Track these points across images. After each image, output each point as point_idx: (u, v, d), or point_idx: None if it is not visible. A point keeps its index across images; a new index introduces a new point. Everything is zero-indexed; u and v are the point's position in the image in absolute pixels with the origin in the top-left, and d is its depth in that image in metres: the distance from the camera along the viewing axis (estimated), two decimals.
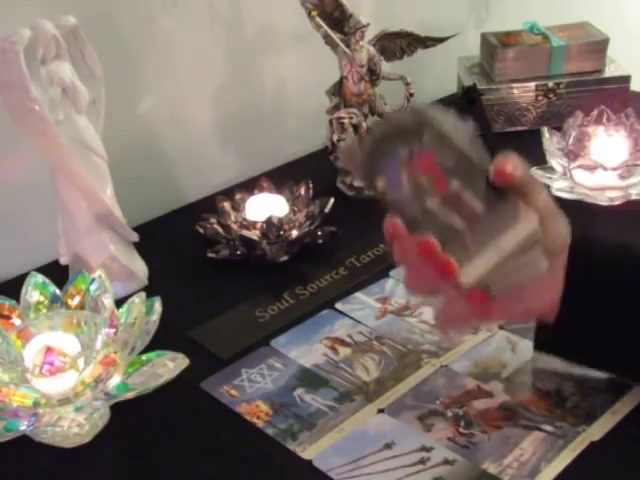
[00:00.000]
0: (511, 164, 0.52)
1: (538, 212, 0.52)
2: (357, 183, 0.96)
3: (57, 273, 0.77)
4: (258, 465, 0.60)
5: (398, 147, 0.54)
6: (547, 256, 0.53)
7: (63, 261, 0.83)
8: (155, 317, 0.67)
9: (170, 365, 0.64)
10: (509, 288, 0.54)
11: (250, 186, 0.90)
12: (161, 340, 0.67)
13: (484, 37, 1.15)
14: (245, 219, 0.85)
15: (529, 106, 1.09)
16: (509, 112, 1.10)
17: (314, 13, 0.89)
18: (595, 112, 0.94)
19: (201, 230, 0.86)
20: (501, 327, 0.71)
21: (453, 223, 0.54)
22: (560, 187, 0.91)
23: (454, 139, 0.53)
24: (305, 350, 0.71)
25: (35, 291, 0.70)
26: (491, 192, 0.53)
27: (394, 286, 0.78)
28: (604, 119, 0.94)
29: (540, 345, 0.62)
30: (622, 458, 0.57)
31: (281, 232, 0.83)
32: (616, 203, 0.88)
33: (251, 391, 0.66)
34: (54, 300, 0.70)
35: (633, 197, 0.89)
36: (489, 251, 0.53)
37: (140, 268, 0.82)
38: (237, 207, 0.87)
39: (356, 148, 0.58)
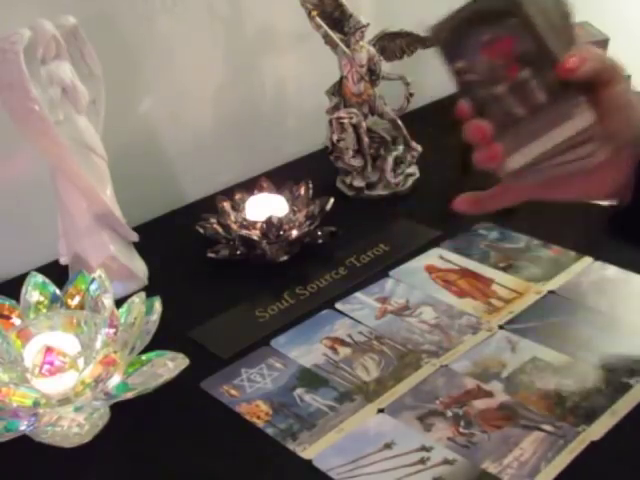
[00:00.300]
0: (577, 59, 0.53)
1: (610, 103, 0.54)
2: (357, 183, 0.96)
3: (57, 273, 0.77)
4: (258, 465, 0.60)
5: (482, 30, 0.57)
6: (612, 146, 0.54)
7: (63, 261, 0.83)
8: (155, 317, 0.67)
9: (170, 365, 0.64)
10: (560, 175, 0.58)
11: (250, 186, 0.90)
12: (161, 340, 0.67)
13: None
14: (245, 219, 0.85)
15: None
16: None
17: (314, 13, 0.89)
18: None
19: (201, 230, 0.86)
20: (501, 327, 0.71)
21: (515, 111, 0.57)
22: None
23: (539, 26, 0.55)
24: (305, 350, 0.71)
25: (35, 291, 0.70)
26: (558, 84, 0.55)
27: (394, 286, 0.78)
28: None
29: (613, 230, 0.62)
30: (622, 458, 0.57)
31: (281, 232, 0.83)
32: None
33: (251, 391, 0.66)
34: (54, 300, 0.70)
35: None
36: (539, 142, 0.56)
37: (140, 268, 0.82)
38: (237, 207, 0.88)
39: (445, 26, 0.62)
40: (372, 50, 0.92)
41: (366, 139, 0.94)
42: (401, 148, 0.97)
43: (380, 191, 0.96)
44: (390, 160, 0.95)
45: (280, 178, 0.91)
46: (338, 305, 0.76)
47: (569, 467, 0.56)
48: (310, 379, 0.67)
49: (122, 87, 0.89)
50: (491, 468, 0.57)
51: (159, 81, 0.96)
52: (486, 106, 0.59)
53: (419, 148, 0.97)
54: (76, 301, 0.70)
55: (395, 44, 0.94)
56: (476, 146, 0.60)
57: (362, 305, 0.76)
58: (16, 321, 0.68)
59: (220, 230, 0.85)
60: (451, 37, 0.60)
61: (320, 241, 0.84)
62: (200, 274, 0.83)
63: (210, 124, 1.02)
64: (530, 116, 0.57)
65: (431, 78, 1.20)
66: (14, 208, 0.86)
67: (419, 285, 0.78)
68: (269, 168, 1.03)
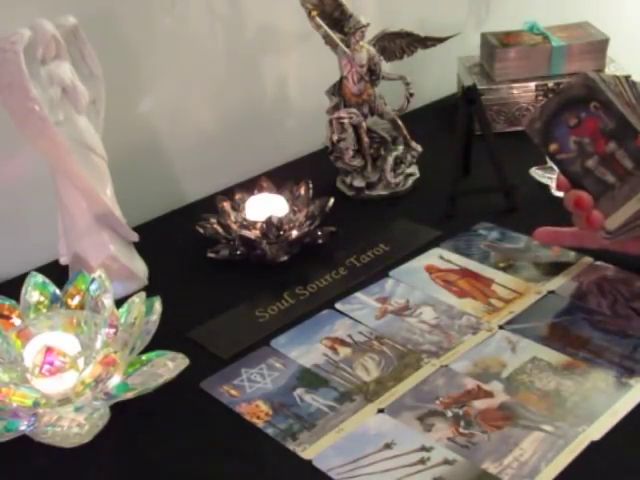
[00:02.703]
0: None
1: None
2: (357, 183, 0.96)
3: (57, 273, 0.77)
4: (258, 465, 0.60)
5: (569, 116, 0.69)
6: None
7: (63, 261, 0.83)
8: (155, 317, 0.67)
9: (170, 365, 0.64)
10: None
11: (250, 186, 0.90)
12: (161, 340, 0.67)
13: (484, 37, 1.15)
14: (245, 219, 0.85)
15: (529, 106, 1.09)
16: (509, 112, 1.10)
17: (314, 13, 0.89)
18: None
19: (201, 230, 0.86)
20: (501, 327, 0.71)
21: (606, 179, 0.68)
22: None
23: (617, 105, 0.67)
24: (305, 350, 0.71)
25: (35, 291, 0.70)
26: None
27: (394, 286, 0.78)
28: None
29: None
30: (622, 458, 0.57)
31: (281, 232, 0.83)
32: None
33: (251, 391, 0.66)
34: (54, 300, 0.70)
35: None
36: (631, 203, 0.67)
37: (140, 268, 0.82)
38: (237, 207, 0.88)
39: (536, 118, 0.71)
40: (372, 50, 0.92)
41: (366, 139, 0.94)
42: (401, 148, 0.97)
43: (380, 191, 0.96)
44: (390, 160, 0.95)
45: (280, 178, 0.91)
46: (338, 305, 0.76)
47: (569, 467, 0.56)
48: (310, 379, 0.67)
49: (122, 87, 0.89)
50: (491, 468, 0.57)
51: (159, 81, 0.95)
52: (581, 178, 0.70)
53: (419, 148, 0.97)
54: (76, 301, 0.70)
55: (395, 44, 0.94)
56: (577, 213, 0.71)
57: (362, 305, 0.76)
58: (16, 321, 0.68)
59: (220, 230, 0.85)
60: (542, 126, 0.71)
61: (320, 241, 0.84)
62: (200, 274, 0.83)
63: (210, 124, 1.02)
64: (620, 182, 0.68)
65: (431, 78, 1.21)
66: (14, 208, 0.86)
67: (419, 285, 0.78)
68: (269, 168, 1.03)
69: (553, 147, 0.71)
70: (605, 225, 0.69)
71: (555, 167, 0.73)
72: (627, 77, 0.71)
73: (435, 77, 1.21)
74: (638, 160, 0.67)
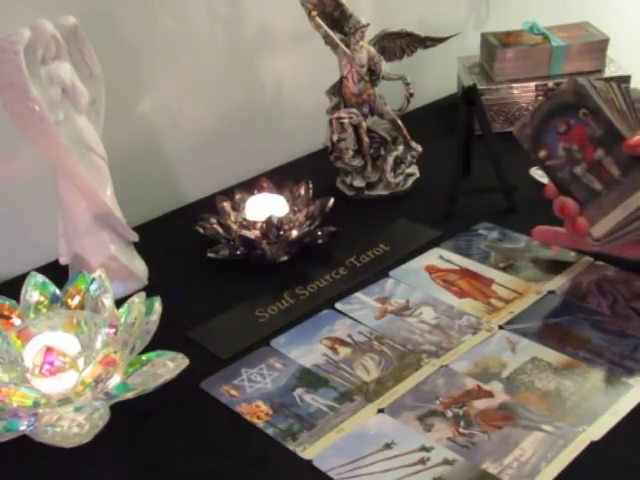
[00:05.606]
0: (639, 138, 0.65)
1: None
2: (357, 183, 0.96)
3: (57, 273, 0.77)
4: (258, 465, 0.60)
5: (558, 122, 0.70)
6: None
7: (63, 261, 0.83)
8: (155, 317, 0.67)
9: (170, 365, 0.64)
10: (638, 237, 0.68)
11: (250, 186, 0.90)
12: (161, 340, 0.67)
13: (484, 37, 1.15)
14: (245, 219, 0.85)
15: (529, 106, 1.09)
16: (509, 112, 1.10)
17: (314, 13, 0.89)
18: None
19: (201, 230, 0.86)
20: (501, 327, 0.71)
21: (594, 186, 0.69)
22: None
23: (606, 112, 0.67)
24: (305, 350, 0.71)
25: (35, 291, 0.70)
26: (628, 159, 0.67)
27: (394, 286, 0.78)
28: None
29: None
30: (622, 458, 0.57)
31: (281, 232, 0.83)
32: None
33: (251, 391, 0.66)
34: (54, 300, 0.70)
35: None
36: (617, 210, 0.67)
37: (140, 268, 0.82)
38: (237, 207, 0.88)
39: (526, 123, 0.72)
40: (372, 50, 0.92)
41: (366, 139, 0.94)
42: (401, 148, 0.97)
43: (380, 191, 0.96)
44: (390, 160, 0.95)
45: (280, 178, 0.91)
46: (338, 305, 0.76)
47: (569, 467, 0.56)
48: (310, 379, 0.67)
49: (122, 87, 0.89)
50: (491, 468, 0.57)
51: (159, 81, 0.96)
52: (569, 185, 0.70)
53: (419, 148, 0.97)
54: (76, 301, 0.70)
55: (395, 44, 0.94)
56: (564, 220, 0.72)
57: (362, 305, 0.76)
58: (16, 321, 0.68)
59: (220, 230, 0.85)
60: (532, 132, 0.71)
61: (320, 241, 0.84)
62: (200, 274, 0.83)
63: (210, 124, 1.02)
64: (607, 189, 0.68)
65: (431, 78, 1.21)
66: (14, 208, 0.86)
67: (419, 285, 0.78)
68: (269, 168, 1.03)
69: (542, 153, 0.71)
70: (591, 233, 0.69)
71: (544, 172, 0.73)
72: (620, 84, 0.71)
73: (435, 77, 1.21)
74: (625, 167, 0.67)
